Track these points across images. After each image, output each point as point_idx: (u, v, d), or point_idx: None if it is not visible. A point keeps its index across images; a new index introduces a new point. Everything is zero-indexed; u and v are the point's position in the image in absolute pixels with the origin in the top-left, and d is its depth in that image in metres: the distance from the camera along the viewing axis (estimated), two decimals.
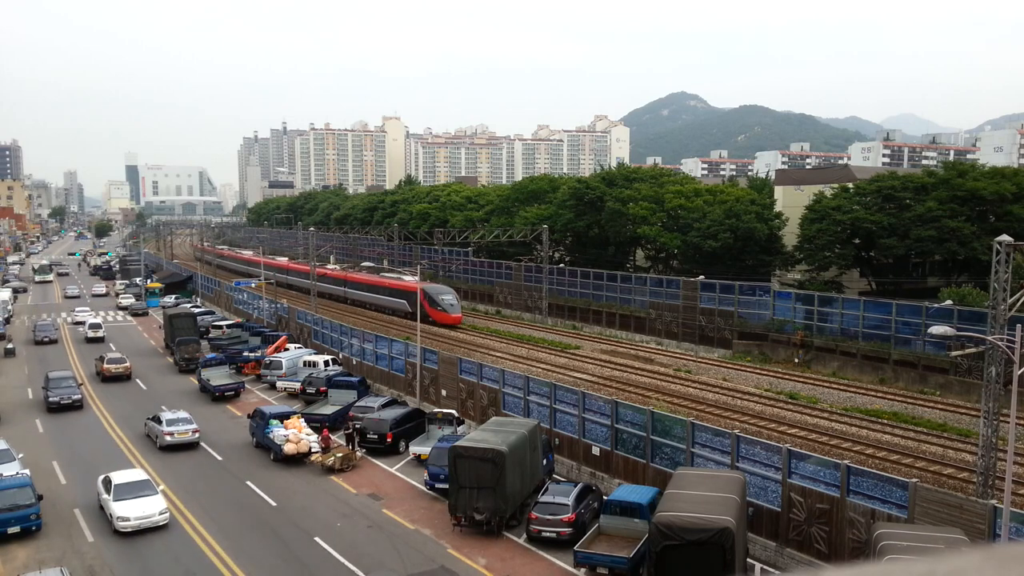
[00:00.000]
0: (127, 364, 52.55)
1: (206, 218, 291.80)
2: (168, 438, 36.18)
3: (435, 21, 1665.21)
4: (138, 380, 51.65)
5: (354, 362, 48.95)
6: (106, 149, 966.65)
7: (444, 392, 40.09)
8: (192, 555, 25.06)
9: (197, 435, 36.79)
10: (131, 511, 26.51)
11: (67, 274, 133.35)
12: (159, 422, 37.04)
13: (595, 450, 30.66)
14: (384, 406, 38.80)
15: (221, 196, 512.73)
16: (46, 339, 64.06)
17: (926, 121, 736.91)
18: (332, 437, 36.57)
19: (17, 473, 29.43)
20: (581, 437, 31.32)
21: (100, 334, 66.94)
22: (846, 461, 24.02)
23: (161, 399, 46.30)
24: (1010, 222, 53.81)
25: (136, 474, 29.26)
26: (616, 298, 65.32)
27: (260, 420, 36.45)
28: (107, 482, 28.27)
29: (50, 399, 43.10)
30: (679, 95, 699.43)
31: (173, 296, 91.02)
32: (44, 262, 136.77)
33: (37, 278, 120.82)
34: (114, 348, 61.26)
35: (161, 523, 26.81)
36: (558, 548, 24.75)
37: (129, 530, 26.20)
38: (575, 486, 27.09)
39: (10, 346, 58.62)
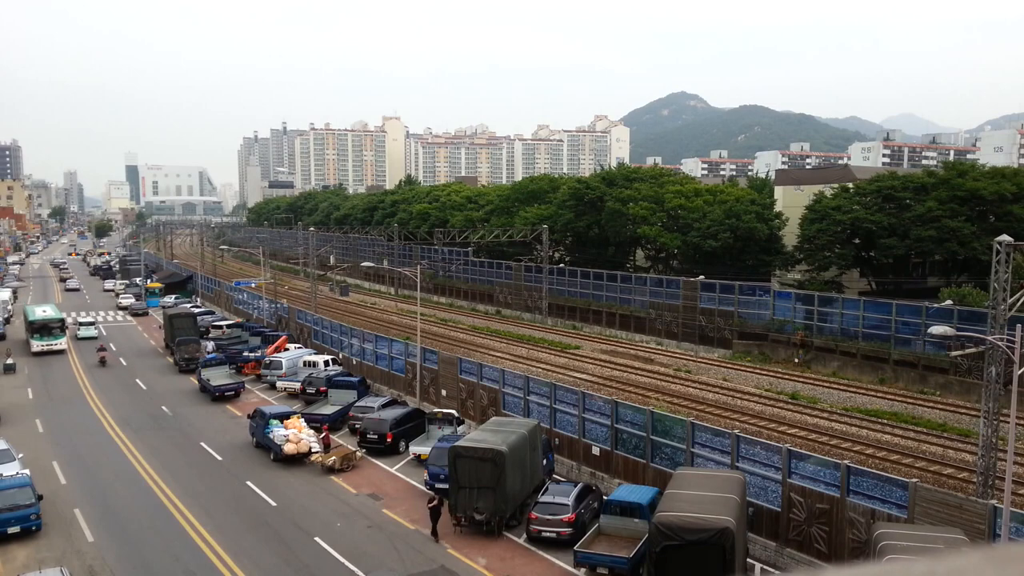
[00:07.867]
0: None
1: (206, 218, 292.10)
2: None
3: (435, 21, 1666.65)
4: (138, 380, 51.69)
5: (354, 362, 48.95)
6: (106, 149, 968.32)
7: (444, 392, 40.09)
8: (192, 555, 25.04)
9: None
10: None
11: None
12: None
13: (595, 450, 30.66)
14: (384, 406, 38.82)
15: (221, 196, 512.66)
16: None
17: (926, 121, 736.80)
18: (333, 438, 36.65)
19: (17, 473, 29.44)
20: (581, 437, 31.32)
21: (76, 285, 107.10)
22: (846, 461, 24.01)
23: (161, 399, 46.34)
24: (1010, 222, 53.87)
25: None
26: (616, 298, 65.29)
27: (260, 420, 36.45)
28: None
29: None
30: (679, 95, 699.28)
31: (173, 296, 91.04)
32: (44, 310, 65.51)
33: (36, 345, 60.81)
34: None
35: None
36: (558, 548, 24.74)
37: None
38: (575, 486, 27.07)
39: (10, 361, 55.80)
